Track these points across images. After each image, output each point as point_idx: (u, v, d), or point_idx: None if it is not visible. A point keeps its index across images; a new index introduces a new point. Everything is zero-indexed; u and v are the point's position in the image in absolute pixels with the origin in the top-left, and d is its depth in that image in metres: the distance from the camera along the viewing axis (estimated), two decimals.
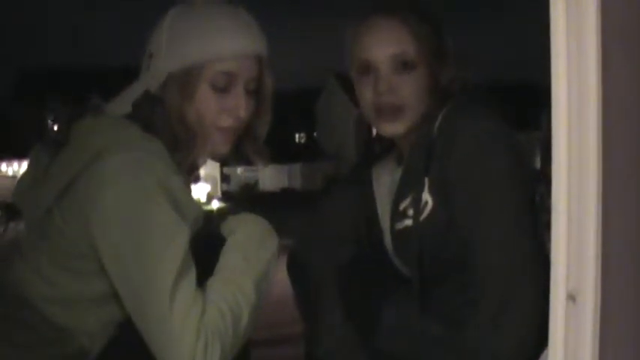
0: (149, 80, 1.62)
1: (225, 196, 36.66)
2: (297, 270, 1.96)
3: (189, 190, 1.68)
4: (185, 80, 1.59)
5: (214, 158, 1.74)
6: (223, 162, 1.75)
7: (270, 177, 47.37)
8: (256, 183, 46.29)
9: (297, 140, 53.01)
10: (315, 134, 50.85)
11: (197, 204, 1.62)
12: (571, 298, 1.06)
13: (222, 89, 1.61)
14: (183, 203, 1.53)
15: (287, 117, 50.41)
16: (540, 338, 1.17)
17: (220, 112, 1.62)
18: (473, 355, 1.59)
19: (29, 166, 1.66)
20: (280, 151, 46.08)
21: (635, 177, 1.07)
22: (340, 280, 1.88)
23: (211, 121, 1.62)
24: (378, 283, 1.88)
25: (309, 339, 1.88)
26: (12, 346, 1.56)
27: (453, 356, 1.64)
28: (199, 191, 35.12)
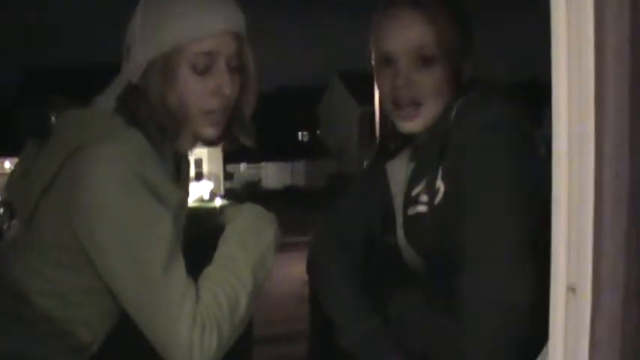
0: (130, 73, 1.59)
1: (228, 194, 36.69)
2: (318, 266, 1.96)
3: (178, 176, 1.67)
4: (165, 66, 1.55)
5: (205, 143, 1.68)
6: (211, 145, 1.72)
7: (273, 175, 47.39)
8: (259, 181, 46.32)
9: (300, 138, 53.01)
10: (318, 132, 50.85)
11: (179, 190, 1.60)
12: (571, 290, 1.07)
13: (203, 70, 1.56)
14: (164, 192, 1.51)
15: (290, 115, 50.41)
16: (538, 324, 1.17)
17: (205, 94, 1.58)
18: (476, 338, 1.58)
19: (19, 160, 1.65)
20: (283, 149, 46.10)
21: (630, 168, 1.07)
22: (359, 274, 1.88)
23: (197, 105, 1.58)
24: (389, 275, 1.89)
25: (333, 332, 1.87)
26: (12, 341, 1.56)
27: (461, 346, 1.64)
28: (202, 189, 35.20)
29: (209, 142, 1.68)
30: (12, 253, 1.62)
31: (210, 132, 1.63)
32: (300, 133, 52.98)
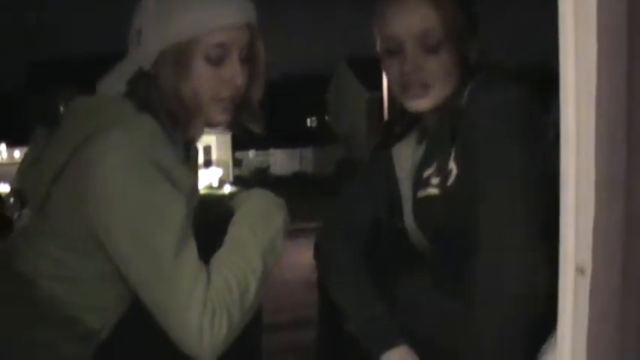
0: (141, 58, 1.60)
1: (237, 181, 36.73)
2: (324, 252, 1.97)
3: (187, 162, 1.68)
4: (179, 56, 1.57)
5: (213, 126, 1.71)
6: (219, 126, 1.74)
7: (281, 161, 47.41)
8: (268, 167, 46.35)
9: (308, 124, 52.99)
10: (326, 118, 50.80)
11: (192, 176, 1.62)
12: (580, 271, 1.07)
13: (216, 61, 1.59)
14: (177, 176, 1.52)
15: (298, 101, 50.37)
16: (553, 308, 1.18)
17: (217, 84, 1.61)
18: (483, 322, 1.59)
19: (29, 149, 1.67)
20: (292, 136, 46.08)
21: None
22: (365, 259, 1.89)
23: (209, 94, 1.61)
24: (395, 259, 1.90)
25: (340, 317, 1.89)
26: (24, 328, 1.57)
27: (468, 328, 1.64)
28: (211, 176, 35.25)
29: (218, 126, 1.70)
30: (24, 240, 1.63)
31: (220, 119, 1.66)
32: (308, 120, 52.96)
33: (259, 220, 1.63)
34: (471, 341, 1.61)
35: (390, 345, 1.77)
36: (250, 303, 1.53)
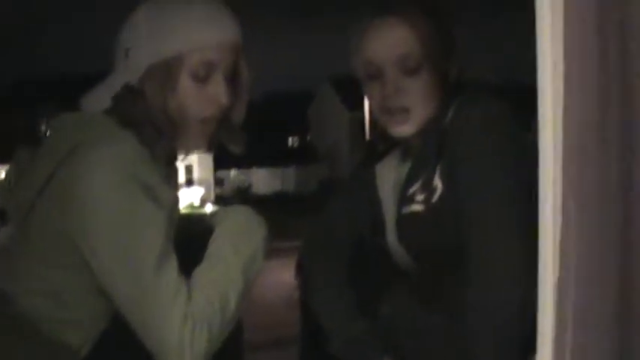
0: (128, 74, 1.62)
1: (218, 200, 36.65)
2: (306, 270, 1.99)
3: (169, 180, 1.68)
4: (166, 72, 1.59)
5: (193, 149, 1.72)
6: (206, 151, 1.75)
7: (263, 180, 47.37)
8: (250, 186, 46.31)
9: (290, 144, 53.03)
10: (308, 137, 50.89)
11: (173, 192, 1.63)
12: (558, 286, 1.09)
13: (202, 79, 1.61)
14: (158, 193, 1.53)
15: (280, 120, 50.44)
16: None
17: (202, 101, 1.62)
18: (471, 341, 1.60)
19: (11, 167, 1.67)
20: (274, 155, 46.12)
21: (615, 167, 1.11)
22: (347, 276, 1.90)
23: (194, 111, 1.62)
24: (377, 276, 1.91)
25: (323, 336, 1.89)
26: (5, 344, 1.56)
27: (451, 344, 1.66)
28: (193, 195, 35.14)
29: (201, 149, 1.72)
30: (5, 256, 1.63)
31: (202, 137, 1.68)
32: (290, 139, 53.00)
33: (240, 236, 1.64)
34: (459, 355, 1.61)
35: None
36: (231, 317, 1.54)
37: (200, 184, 38.68)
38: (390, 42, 1.75)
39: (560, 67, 1.08)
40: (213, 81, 1.63)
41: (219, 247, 1.61)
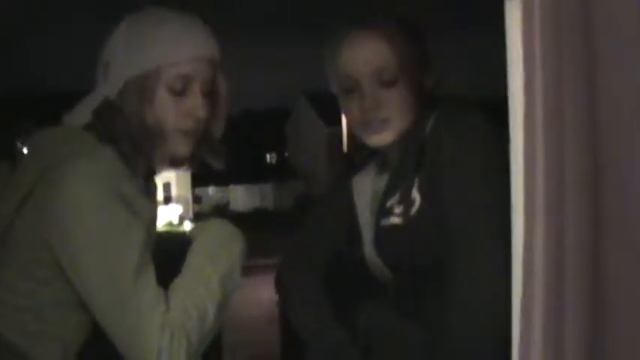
0: (107, 88, 1.65)
1: (197, 217, 36.53)
2: (285, 282, 2.00)
3: (147, 195, 1.71)
4: (144, 85, 1.62)
5: (174, 164, 1.74)
6: (179, 167, 1.78)
7: (241, 197, 47.33)
8: (228, 203, 46.24)
9: (268, 160, 53.07)
10: (286, 154, 50.95)
11: (152, 206, 1.66)
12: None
13: (179, 92, 1.64)
14: (137, 206, 1.56)
15: (258, 137, 50.49)
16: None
17: (180, 114, 1.65)
18: (449, 353, 1.62)
19: None
20: (251, 172, 46.10)
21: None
22: (324, 288, 1.92)
23: (171, 124, 1.65)
24: (354, 288, 1.93)
25: (302, 348, 1.91)
26: None
27: (426, 355, 1.67)
28: (171, 213, 35.04)
29: (178, 163, 1.73)
30: None
31: (181, 151, 1.69)
32: (268, 155, 53.05)
33: (217, 248, 1.65)
34: None
35: None
36: (209, 327, 1.55)
37: (178, 201, 38.57)
38: (366, 55, 1.76)
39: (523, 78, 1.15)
40: (190, 94, 1.65)
41: (197, 259, 1.63)
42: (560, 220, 1.13)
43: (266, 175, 47.77)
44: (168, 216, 33.59)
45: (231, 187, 47.13)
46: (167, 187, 38.45)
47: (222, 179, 44.47)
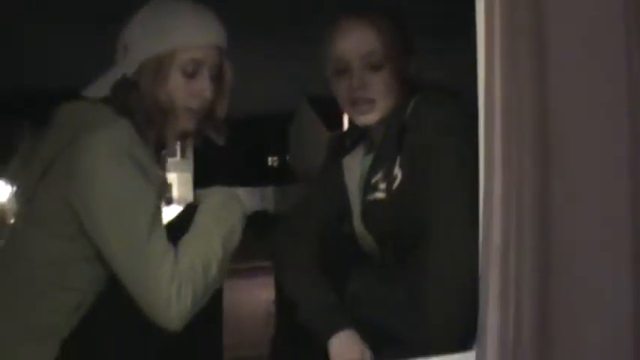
0: (125, 67, 1.82)
1: None
2: (280, 253, 2.16)
3: (156, 163, 1.88)
4: (159, 66, 1.82)
5: (182, 137, 1.96)
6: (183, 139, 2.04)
7: (243, 199, 47.24)
8: None
9: (269, 163, 53.03)
10: (287, 157, 50.90)
11: (162, 173, 1.87)
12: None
13: (190, 74, 1.85)
14: (150, 172, 1.75)
15: (259, 140, 50.47)
16: None
17: (189, 94, 1.85)
18: (432, 317, 1.76)
19: (20, 150, 1.89)
20: (253, 174, 46.04)
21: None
22: (316, 258, 2.08)
23: (181, 102, 1.85)
24: (344, 261, 2.10)
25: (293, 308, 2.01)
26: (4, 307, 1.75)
27: (410, 317, 1.77)
28: (173, 213, 35.05)
29: (184, 137, 1.97)
30: (10, 230, 1.82)
31: (188, 126, 1.92)
32: (269, 159, 53.01)
33: (220, 211, 1.86)
34: (416, 326, 1.78)
35: (338, 328, 1.89)
36: (212, 281, 1.74)
37: (179, 202, 38.55)
38: (357, 41, 1.97)
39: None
40: (199, 77, 1.87)
41: (202, 219, 1.84)
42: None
43: (267, 178, 47.72)
44: (170, 217, 33.60)
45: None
46: (169, 188, 38.45)
47: (223, 181, 44.27)
